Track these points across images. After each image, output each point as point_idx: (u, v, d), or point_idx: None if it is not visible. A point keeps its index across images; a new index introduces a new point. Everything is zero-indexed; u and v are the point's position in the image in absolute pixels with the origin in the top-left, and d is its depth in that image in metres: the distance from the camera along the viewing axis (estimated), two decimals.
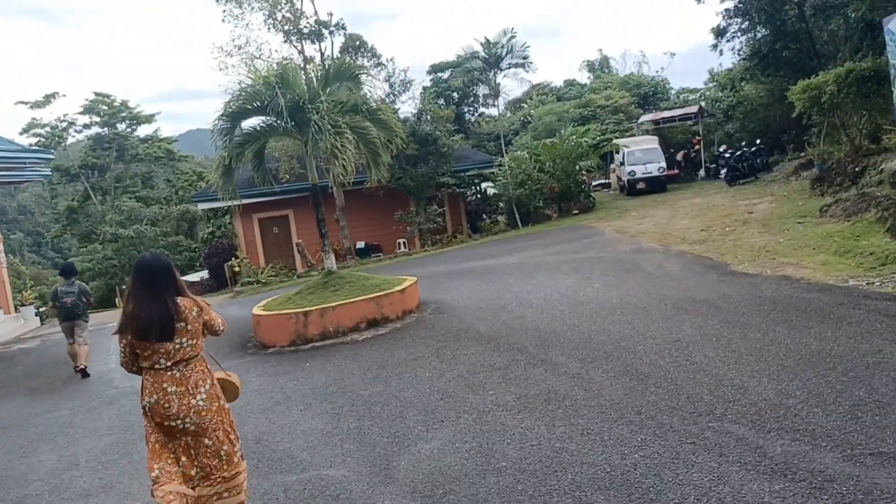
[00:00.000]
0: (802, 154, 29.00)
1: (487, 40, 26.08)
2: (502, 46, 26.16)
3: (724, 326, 7.53)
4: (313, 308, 10.88)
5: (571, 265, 14.24)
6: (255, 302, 13.51)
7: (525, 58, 26.75)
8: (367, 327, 10.75)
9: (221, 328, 4.40)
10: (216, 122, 11.97)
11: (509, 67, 27.06)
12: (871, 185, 13.47)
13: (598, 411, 5.54)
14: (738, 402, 5.20)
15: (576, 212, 26.18)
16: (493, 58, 26.35)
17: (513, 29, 32.21)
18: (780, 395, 5.18)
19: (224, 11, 24.47)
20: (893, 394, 4.78)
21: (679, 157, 33.13)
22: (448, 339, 9.28)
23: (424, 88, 41.22)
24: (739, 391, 5.41)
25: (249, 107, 12.03)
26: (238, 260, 26.02)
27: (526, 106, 53.49)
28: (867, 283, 8.69)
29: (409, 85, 28.41)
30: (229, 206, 28.53)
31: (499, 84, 27.97)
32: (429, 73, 46.03)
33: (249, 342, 11.56)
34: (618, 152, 32.11)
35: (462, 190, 29.61)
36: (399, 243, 27.65)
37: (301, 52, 25.29)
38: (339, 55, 26.17)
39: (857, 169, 17.08)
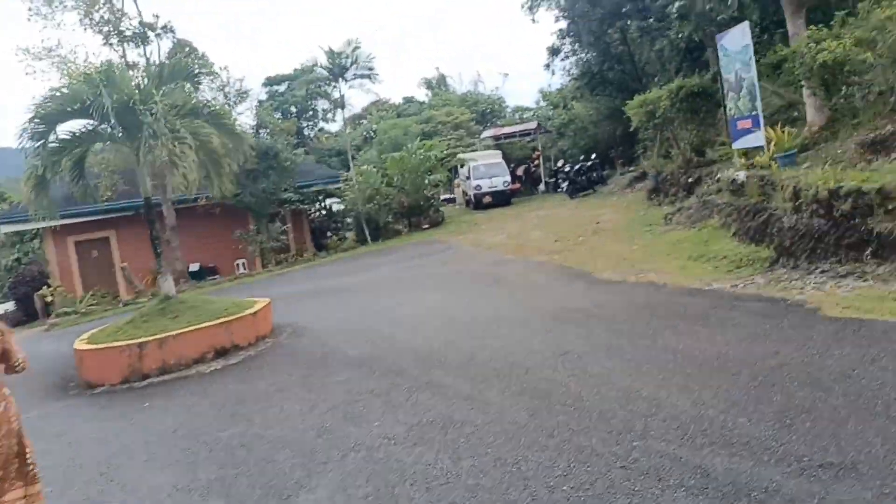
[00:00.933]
0: (632, 168, 30.94)
1: (332, 50, 25.22)
2: (347, 56, 25.40)
3: (611, 335, 7.25)
4: (150, 338, 9.44)
5: (433, 280, 13.71)
6: (76, 334, 11.63)
7: (371, 69, 26.19)
8: (216, 357, 9.48)
9: (22, 364, 3.89)
10: (26, 125, 10.15)
11: (355, 78, 26.36)
12: (711, 193, 14.22)
13: (505, 438, 4.91)
14: (656, 416, 4.79)
15: (426, 226, 25.87)
16: (338, 68, 25.50)
17: (357, 39, 31.58)
18: (697, 405, 4.84)
19: (30, 10, 21.66)
20: (812, 398, 4.58)
21: (519, 171, 34.02)
22: (314, 365, 8.31)
23: (260, 101, 39.41)
24: (653, 404, 5.02)
25: (69, 109, 10.33)
26: (51, 289, 22.95)
27: (366, 122, 52.98)
28: (731, 286, 8.87)
29: (245, 95, 26.78)
30: (38, 229, 25.27)
31: (344, 95, 27.14)
32: (265, 85, 44.16)
33: (71, 382, 9.83)
34: (462, 167, 32.37)
35: (306, 206, 28.35)
36: (238, 264, 25.85)
37: (123, 56, 22.93)
38: (166, 61, 24.04)
39: (689, 180, 18.14)
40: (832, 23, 12.96)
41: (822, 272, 8.24)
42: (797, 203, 9.80)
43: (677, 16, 19.90)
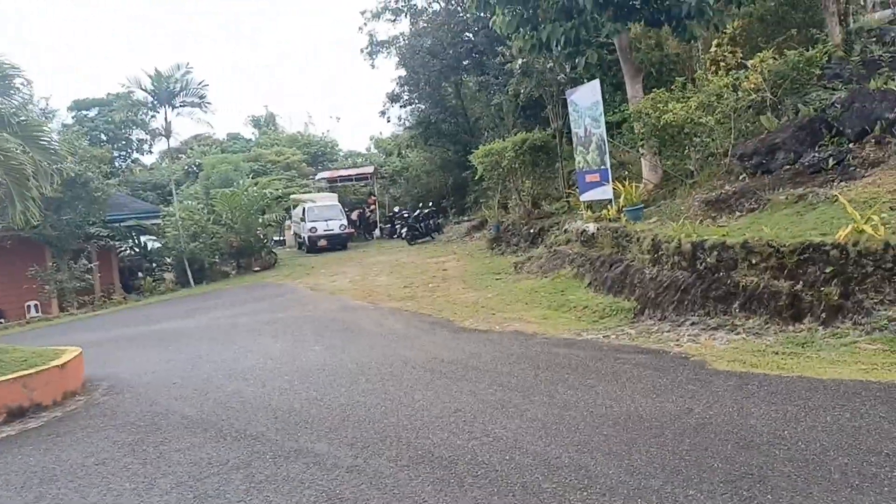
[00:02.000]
0: (465, 217, 31.40)
1: (158, 72, 23.04)
2: (176, 81, 23.39)
3: (501, 390, 6.61)
4: None
5: (274, 326, 12.42)
6: None
7: (202, 96, 24.33)
8: (11, 419, 7.59)
9: None
10: None
11: (184, 106, 24.30)
12: (560, 243, 14.39)
13: None
14: (592, 489, 4.16)
15: (257, 268, 24.16)
16: (165, 93, 23.36)
17: (188, 64, 29.38)
18: (635, 474, 4.28)
19: None
20: (757, 464, 4.19)
21: (354, 215, 33.31)
22: (143, 428, 6.83)
23: (65, 125, 35.45)
24: (582, 474, 4.39)
25: None
26: None
27: (184, 156, 49.68)
28: (603, 336, 8.67)
29: (51, 116, 23.73)
30: None
31: (170, 122, 24.91)
32: (72, 109, 39.90)
33: None
34: (296, 208, 31.02)
35: (116, 242, 25.43)
36: (30, 306, 22.44)
37: None
38: None
39: (531, 230, 18.44)
40: (671, 87, 13.78)
41: (693, 324, 8.26)
42: (657, 255, 9.94)
43: (520, 72, 20.47)
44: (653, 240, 10.23)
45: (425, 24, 31.73)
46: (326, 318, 12.73)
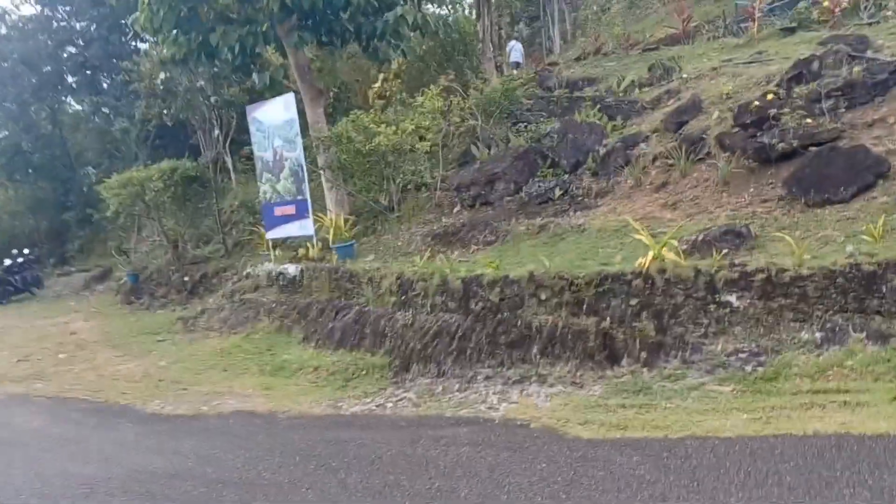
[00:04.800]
0: (72, 268, 25.64)
1: None
2: None
3: None
4: None
5: None
6: None
7: None
8: None
9: None
10: None
11: None
12: (246, 290, 11.65)
13: None
14: None
15: None
16: None
17: None
18: None
19: None
20: None
21: None
22: None
23: None
24: None
25: None
26: None
27: None
28: (377, 406, 6.56)
29: None
30: None
31: None
32: None
33: None
34: None
35: None
36: None
37: None
38: None
39: (186, 278, 15.18)
40: (371, 109, 12.38)
41: (488, 378, 6.67)
42: (407, 297, 8.23)
43: (162, 90, 17.06)
44: (398, 278, 8.49)
45: (12, 31, 25.36)
46: None
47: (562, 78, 13.86)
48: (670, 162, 9.24)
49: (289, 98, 11.24)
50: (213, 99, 16.66)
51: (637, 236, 7.01)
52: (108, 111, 23.73)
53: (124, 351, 10.87)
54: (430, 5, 14.74)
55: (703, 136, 9.09)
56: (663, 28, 15.75)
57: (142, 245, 20.56)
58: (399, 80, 17.35)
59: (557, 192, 9.86)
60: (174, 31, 12.87)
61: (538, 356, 6.62)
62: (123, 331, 12.68)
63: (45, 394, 8.53)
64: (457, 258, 9.09)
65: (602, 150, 10.25)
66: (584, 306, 6.66)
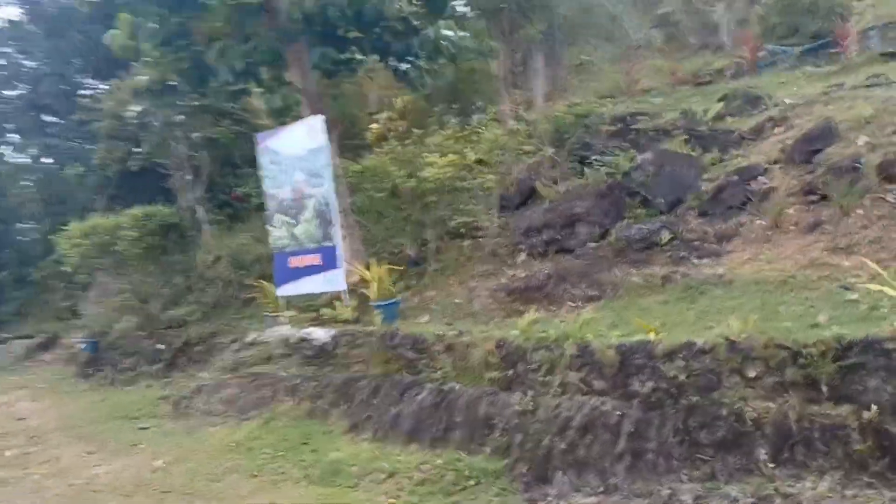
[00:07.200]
0: (7, 334, 22.34)
1: None
2: None
3: None
4: None
5: None
6: None
7: None
8: None
9: None
10: None
11: None
12: (255, 361, 9.19)
13: None
14: None
15: None
16: None
17: None
18: None
19: None
20: None
21: None
22: None
23: None
24: None
25: None
26: None
27: None
28: None
29: None
30: None
31: None
32: None
33: None
34: None
35: None
36: None
37: None
38: None
39: (162, 346, 12.56)
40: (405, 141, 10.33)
41: (699, 499, 4.50)
42: (516, 372, 6.05)
43: (136, 124, 14.62)
44: (499, 346, 6.30)
45: None
46: None
47: (604, 114, 12.17)
48: (812, 198, 7.47)
49: (315, 122, 9.13)
50: (194, 135, 14.36)
51: (855, 287, 5.09)
52: (56, 156, 21.00)
53: (97, 445, 8.24)
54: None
55: (856, 164, 7.35)
56: (718, 61, 14.34)
57: (95, 306, 17.74)
58: (403, 120, 15.46)
59: (665, 236, 7.93)
60: (159, 51, 10.73)
61: (770, 464, 4.50)
62: (88, 415, 9.97)
63: None
64: (548, 318, 7.02)
65: (708, 186, 8.45)
66: (825, 388, 4.62)
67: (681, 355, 5.06)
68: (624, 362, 5.31)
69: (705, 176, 8.76)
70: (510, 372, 6.11)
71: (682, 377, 4.99)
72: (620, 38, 23.49)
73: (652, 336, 5.35)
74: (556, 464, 5.19)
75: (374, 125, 15.62)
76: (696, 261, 7.45)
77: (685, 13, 21.25)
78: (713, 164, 9.01)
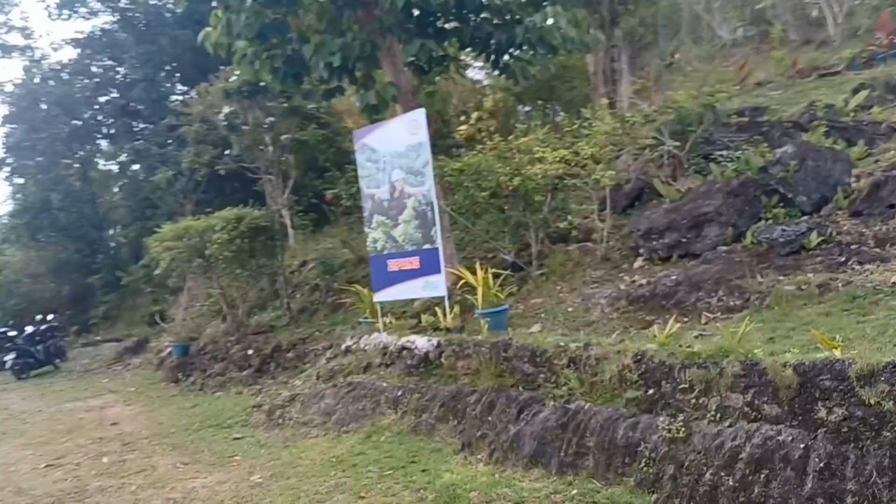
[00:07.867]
0: (98, 337, 22.88)
1: None
2: None
3: None
4: None
5: None
6: None
7: None
8: None
9: None
10: None
11: None
12: (351, 370, 8.70)
13: None
14: None
15: None
16: None
17: None
18: None
19: None
20: None
21: None
22: None
23: None
24: None
25: None
26: None
27: None
28: None
29: None
30: None
31: None
32: None
33: None
34: None
35: None
36: None
37: None
38: None
39: (249, 352, 12.30)
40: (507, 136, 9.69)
41: None
42: (660, 392, 5.27)
43: (225, 126, 14.51)
44: (637, 361, 5.54)
45: (48, 77, 23.34)
46: None
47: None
48: None
49: (417, 116, 8.58)
50: (283, 137, 14.13)
51: None
52: (147, 160, 21.32)
53: (191, 455, 7.88)
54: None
55: None
56: (842, 51, 13.16)
57: (181, 311, 17.82)
58: (493, 119, 14.85)
59: (814, 239, 6.99)
60: (253, 47, 10.44)
61: None
62: (180, 422, 9.70)
63: None
64: (678, 330, 6.20)
65: (859, 183, 7.46)
66: None
67: (883, 378, 4.19)
68: (805, 384, 4.47)
69: (854, 171, 7.78)
70: (652, 391, 5.34)
71: (889, 404, 4.11)
72: (708, 38, 22.25)
73: (838, 353, 4.49)
74: (724, 503, 4.40)
75: (462, 127, 15.11)
76: (856, 266, 6.49)
77: (786, 10, 19.91)
78: (860, 159, 8.01)
